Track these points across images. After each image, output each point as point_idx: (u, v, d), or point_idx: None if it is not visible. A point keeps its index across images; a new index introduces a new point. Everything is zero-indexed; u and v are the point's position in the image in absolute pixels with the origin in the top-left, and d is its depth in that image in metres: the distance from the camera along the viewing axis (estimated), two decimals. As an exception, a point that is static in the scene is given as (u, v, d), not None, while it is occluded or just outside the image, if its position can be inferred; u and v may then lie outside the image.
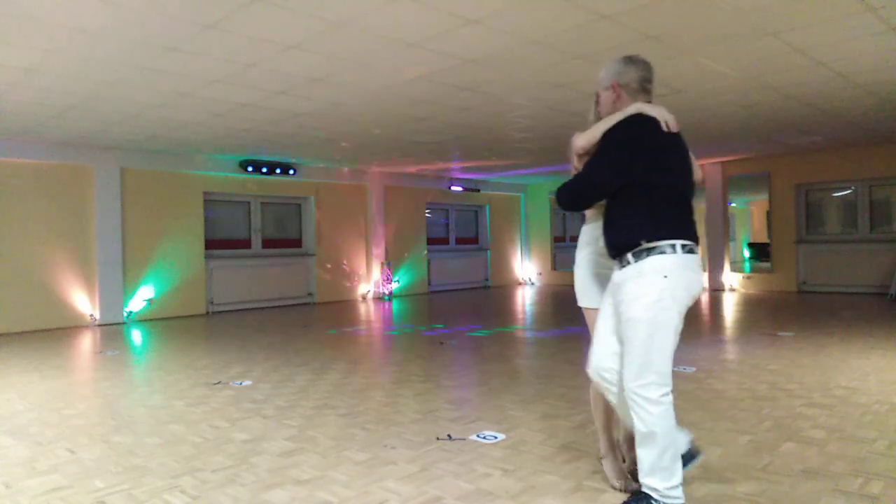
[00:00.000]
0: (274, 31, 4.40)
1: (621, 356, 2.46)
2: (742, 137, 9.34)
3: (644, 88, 2.53)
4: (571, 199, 2.52)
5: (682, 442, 2.50)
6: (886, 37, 4.79)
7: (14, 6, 3.86)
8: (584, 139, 2.56)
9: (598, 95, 2.65)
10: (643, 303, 2.34)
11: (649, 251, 2.36)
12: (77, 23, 4.14)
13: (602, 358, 2.55)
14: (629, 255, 2.40)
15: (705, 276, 12.68)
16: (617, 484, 2.72)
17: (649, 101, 2.53)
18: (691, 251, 2.40)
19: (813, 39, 4.83)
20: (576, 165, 2.61)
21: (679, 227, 2.40)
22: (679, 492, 2.35)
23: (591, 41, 4.76)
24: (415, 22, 4.29)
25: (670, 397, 2.36)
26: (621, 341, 2.45)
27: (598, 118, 2.62)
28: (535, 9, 4.10)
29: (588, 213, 2.77)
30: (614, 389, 2.53)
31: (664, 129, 2.42)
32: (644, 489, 2.39)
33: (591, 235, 2.76)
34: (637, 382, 2.35)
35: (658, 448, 2.32)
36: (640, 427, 2.36)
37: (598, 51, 4.99)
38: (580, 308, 2.81)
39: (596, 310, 2.68)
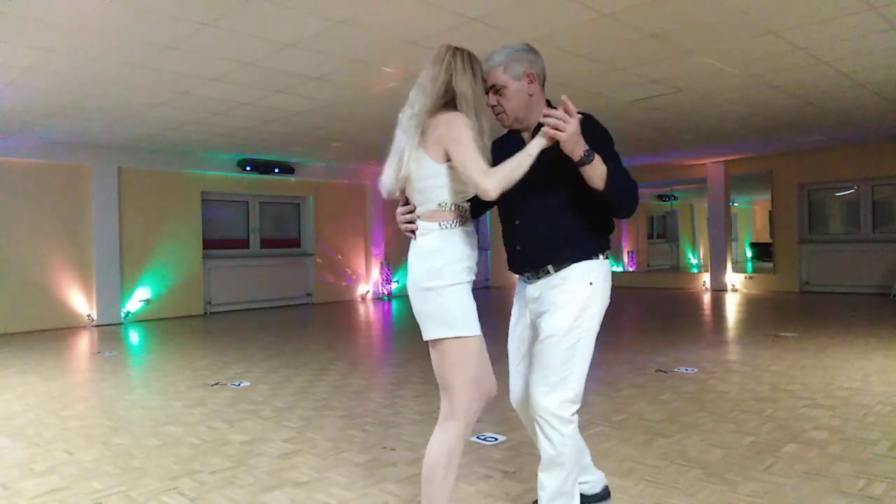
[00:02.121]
0: (272, 29, 4.37)
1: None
2: (744, 137, 9.32)
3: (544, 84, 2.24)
4: (635, 202, 2.13)
5: (598, 482, 2.47)
6: (889, 35, 4.77)
7: (13, 6, 3.84)
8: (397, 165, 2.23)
9: (497, 88, 2.17)
10: (568, 313, 2.13)
11: (575, 259, 2.17)
12: (75, 22, 4.12)
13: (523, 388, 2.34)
14: (549, 266, 2.18)
15: (707, 276, 12.65)
16: None
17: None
18: (608, 257, 2.24)
19: (815, 38, 4.81)
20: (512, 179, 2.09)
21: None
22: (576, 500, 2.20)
23: (593, 40, 4.74)
24: (415, 20, 4.26)
25: (576, 416, 2.17)
26: (529, 361, 2.26)
27: (507, 115, 2.20)
28: (535, 7, 4.08)
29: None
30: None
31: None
32: None
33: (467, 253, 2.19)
34: (549, 399, 2.12)
35: (565, 471, 2.14)
36: (548, 450, 2.14)
37: (600, 49, 4.96)
38: (437, 341, 2.23)
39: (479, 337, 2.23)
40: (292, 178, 11.15)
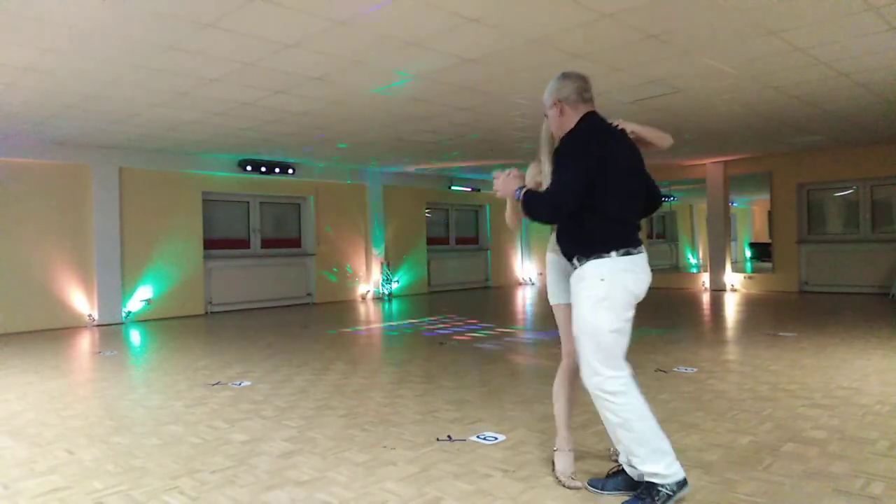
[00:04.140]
0: (273, 30, 4.38)
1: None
2: (743, 137, 9.33)
3: (583, 98, 2.67)
4: (554, 212, 2.57)
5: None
6: (888, 35, 4.78)
7: (14, 6, 3.84)
8: (534, 170, 2.81)
9: (546, 116, 2.78)
10: (585, 304, 2.54)
11: (588, 256, 2.56)
12: (76, 22, 4.13)
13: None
14: (575, 260, 2.63)
15: (706, 276, 12.66)
16: (563, 479, 2.77)
17: (592, 109, 2.68)
18: (627, 253, 2.53)
19: (814, 38, 4.82)
20: (511, 213, 2.92)
21: (625, 232, 2.57)
22: (676, 466, 2.47)
23: (593, 40, 4.75)
24: (414, 21, 4.27)
25: (630, 383, 2.50)
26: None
27: (550, 136, 2.78)
28: (535, 7, 4.09)
29: None
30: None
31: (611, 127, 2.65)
32: (646, 478, 2.49)
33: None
34: (594, 380, 2.52)
35: (636, 433, 2.46)
36: (613, 419, 2.50)
37: (600, 50, 4.97)
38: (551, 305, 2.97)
39: (566, 305, 2.83)
40: (293, 179, 11.16)
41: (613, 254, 2.51)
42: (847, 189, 11.23)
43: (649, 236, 16.82)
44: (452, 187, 13.88)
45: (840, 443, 3.24)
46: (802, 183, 11.53)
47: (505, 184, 2.72)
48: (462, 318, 8.82)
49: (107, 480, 2.98)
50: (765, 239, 15.56)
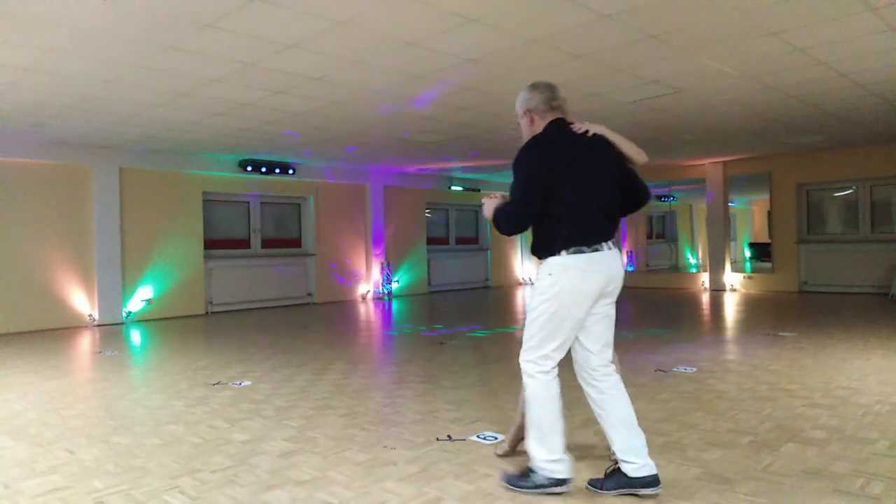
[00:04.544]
0: (273, 30, 4.39)
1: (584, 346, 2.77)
2: (743, 137, 9.34)
3: (551, 107, 2.81)
4: (514, 223, 2.73)
5: (644, 467, 2.63)
6: (887, 36, 4.79)
7: (14, 6, 3.85)
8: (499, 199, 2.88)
9: (519, 125, 2.95)
10: (536, 297, 2.73)
11: (544, 254, 2.72)
12: (76, 22, 4.14)
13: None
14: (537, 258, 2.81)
15: (705, 276, 12.66)
16: (499, 449, 3.18)
17: (562, 117, 2.82)
18: (579, 251, 2.63)
19: (814, 39, 4.82)
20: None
21: (577, 232, 2.66)
22: (560, 466, 2.64)
23: (592, 41, 4.75)
24: (415, 21, 4.28)
25: (549, 377, 2.68)
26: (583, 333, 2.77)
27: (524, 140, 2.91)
28: (535, 8, 4.09)
29: None
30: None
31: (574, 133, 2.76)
32: (529, 461, 2.74)
33: None
34: (523, 356, 2.75)
35: (533, 417, 2.69)
36: (525, 394, 2.76)
37: (599, 50, 4.98)
38: None
39: None
40: (293, 178, 11.16)
41: (563, 252, 2.63)
42: (846, 189, 11.23)
43: (649, 236, 16.83)
44: (452, 187, 13.88)
45: (840, 442, 3.25)
46: (802, 183, 11.53)
47: (488, 206, 2.82)
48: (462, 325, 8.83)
49: (107, 480, 2.98)
50: (764, 239, 15.55)
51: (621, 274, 2.76)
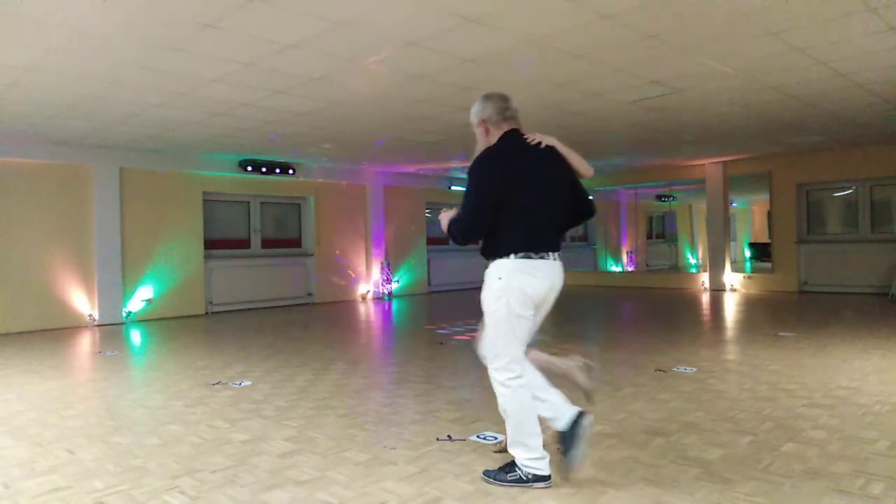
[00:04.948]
0: (273, 30, 4.39)
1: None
2: (743, 137, 9.34)
3: (504, 117, 2.92)
4: (467, 232, 2.82)
5: (566, 414, 2.81)
6: (887, 36, 4.79)
7: (14, 6, 3.85)
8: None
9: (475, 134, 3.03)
10: (488, 300, 2.81)
11: (492, 258, 2.82)
12: (76, 22, 4.14)
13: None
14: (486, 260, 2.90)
15: (705, 276, 12.66)
16: (496, 446, 3.25)
17: (515, 127, 2.93)
18: (527, 257, 2.74)
19: (813, 39, 4.82)
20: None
21: (527, 239, 2.76)
22: (541, 464, 2.73)
23: (592, 41, 4.75)
24: (415, 21, 4.28)
25: (519, 381, 2.75)
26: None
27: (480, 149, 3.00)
28: (534, 8, 4.09)
29: None
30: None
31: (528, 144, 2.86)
32: (511, 458, 2.83)
33: None
34: (491, 365, 2.81)
35: (511, 423, 2.77)
36: (499, 402, 2.82)
37: (599, 50, 4.98)
38: None
39: None
40: (293, 179, 11.17)
41: (512, 256, 2.74)
42: (846, 189, 11.24)
43: (649, 236, 16.84)
44: (452, 187, 13.88)
45: (840, 442, 3.25)
46: (802, 183, 11.54)
47: (444, 220, 2.93)
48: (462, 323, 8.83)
49: (107, 480, 2.98)
50: (764, 239, 15.57)
51: (561, 285, 2.90)
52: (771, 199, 11.94)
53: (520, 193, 2.75)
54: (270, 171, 10.67)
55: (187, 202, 10.01)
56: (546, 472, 2.74)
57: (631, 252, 15.85)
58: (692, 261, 17.86)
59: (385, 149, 9.64)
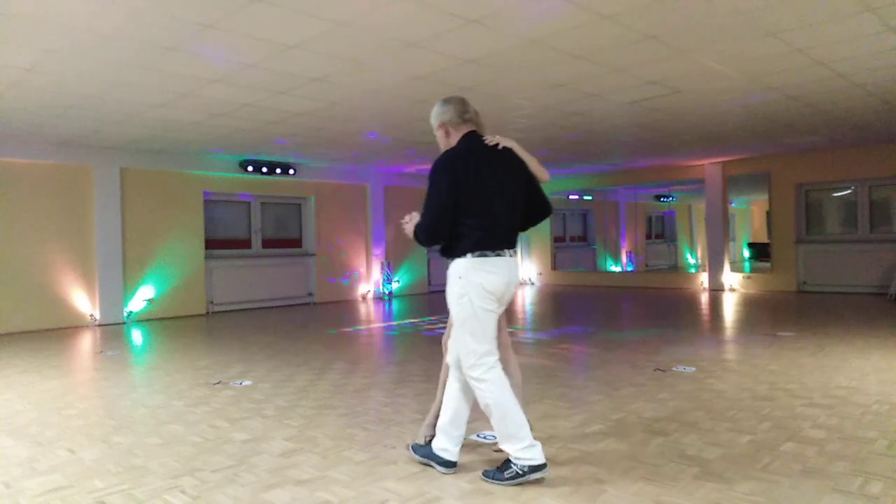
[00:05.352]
0: (274, 31, 4.39)
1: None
2: (742, 137, 9.35)
3: (463, 119, 3.00)
4: (430, 233, 2.90)
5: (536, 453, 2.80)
6: (886, 36, 4.80)
7: (14, 6, 3.86)
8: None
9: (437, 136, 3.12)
10: (452, 299, 2.91)
11: (451, 257, 2.92)
12: (77, 23, 4.14)
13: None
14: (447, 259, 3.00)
15: (705, 276, 12.67)
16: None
17: (474, 129, 3.02)
18: (483, 255, 2.83)
19: (813, 39, 4.83)
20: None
21: (484, 238, 2.85)
22: (532, 452, 2.76)
23: (592, 41, 4.76)
24: (415, 22, 4.29)
25: (495, 372, 2.82)
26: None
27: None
28: (534, 8, 4.10)
29: None
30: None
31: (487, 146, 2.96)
32: (507, 456, 2.85)
33: None
34: (464, 363, 2.86)
35: (495, 417, 2.80)
36: (480, 400, 2.85)
37: (599, 50, 4.99)
38: None
39: None
40: (293, 179, 11.17)
41: (469, 255, 2.84)
42: (845, 189, 11.24)
43: (648, 236, 16.85)
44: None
45: (839, 442, 3.26)
46: (801, 183, 11.54)
47: (411, 227, 3.01)
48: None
49: (108, 480, 2.99)
50: (763, 239, 15.57)
51: (518, 281, 3.01)
52: (770, 199, 11.95)
53: (478, 193, 2.83)
54: (271, 171, 10.68)
55: (188, 202, 10.01)
56: (540, 461, 2.78)
57: (630, 252, 15.86)
58: (691, 261, 17.87)
59: (386, 149, 9.65)
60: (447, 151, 2.97)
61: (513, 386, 2.92)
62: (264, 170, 10.58)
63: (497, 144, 2.97)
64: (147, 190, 9.54)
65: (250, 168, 10.39)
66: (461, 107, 3.01)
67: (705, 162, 12.26)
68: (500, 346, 2.98)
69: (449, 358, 3.03)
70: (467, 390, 2.95)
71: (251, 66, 5.16)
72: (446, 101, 3.05)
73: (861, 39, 4.85)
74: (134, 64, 5.05)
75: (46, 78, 5.38)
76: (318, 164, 11.30)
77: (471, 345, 2.83)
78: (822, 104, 7.13)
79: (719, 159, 11.99)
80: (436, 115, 3.06)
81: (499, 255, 2.87)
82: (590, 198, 16.09)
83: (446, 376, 3.11)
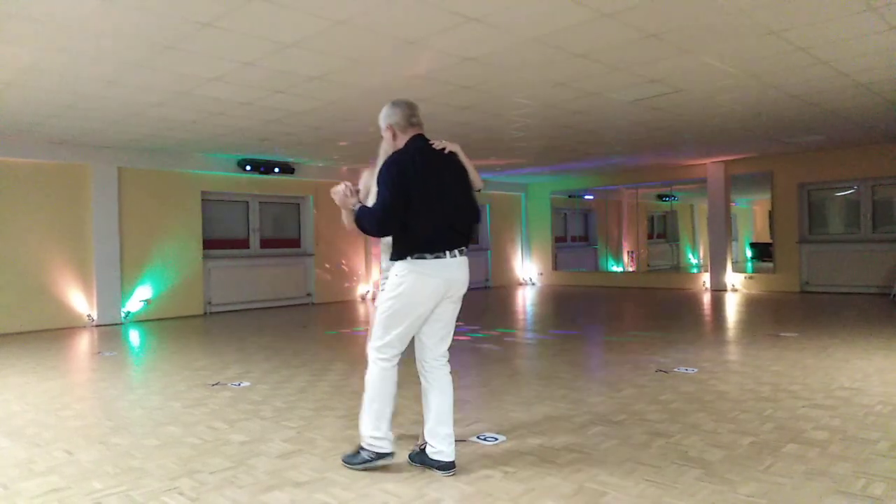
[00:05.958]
0: (272, 29, 4.37)
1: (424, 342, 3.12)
2: (744, 137, 9.32)
3: (411, 123, 3.08)
4: (377, 226, 2.94)
5: (447, 454, 2.95)
6: (888, 35, 4.77)
7: (14, 6, 3.84)
8: (368, 175, 3.26)
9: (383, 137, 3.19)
10: (384, 294, 3.04)
11: (393, 258, 3.01)
12: (75, 22, 4.12)
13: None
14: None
15: (707, 276, 12.64)
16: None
17: (420, 133, 3.09)
18: (421, 258, 2.91)
19: (815, 38, 4.81)
20: (348, 220, 3.17)
21: (423, 240, 2.93)
22: (382, 443, 2.98)
23: (592, 39, 4.73)
24: (415, 20, 4.26)
25: (387, 367, 3.04)
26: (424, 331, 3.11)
27: (386, 154, 3.12)
28: (535, 7, 4.08)
29: None
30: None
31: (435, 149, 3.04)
32: (360, 440, 3.05)
33: None
34: (369, 345, 3.09)
35: (366, 400, 3.04)
36: (367, 375, 3.08)
37: (599, 49, 4.96)
38: None
39: None
40: (292, 178, 11.15)
41: (409, 258, 2.92)
42: (848, 189, 11.22)
43: (650, 236, 16.81)
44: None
45: (841, 443, 3.23)
46: (803, 183, 11.52)
47: (343, 199, 3.06)
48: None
49: (106, 481, 2.97)
50: (766, 239, 15.53)
51: (463, 280, 3.05)
52: (772, 199, 11.92)
53: (423, 194, 2.90)
54: (269, 171, 10.66)
55: (186, 202, 9.99)
56: (387, 450, 3.00)
57: (632, 252, 15.83)
58: (693, 261, 17.84)
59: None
60: (397, 151, 3.03)
61: (441, 393, 3.05)
62: (263, 169, 10.55)
63: (444, 148, 3.05)
64: (145, 189, 9.52)
65: (249, 167, 10.36)
66: (409, 111, 3.09)
67: (707, 161, 12.24)
68: (440, 355, 3.12)
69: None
70: (433, 384, 3.06)
71: (250, 64, 5.14)
72: (395, 103, 3.12)
73: (863, 38, 4.82)
74: (132, 63, 5.03)
75: (43, 77, 5.35)
76: (316, 164, 11.28)
77: (379, 333, 3.01)
78: (824, 103, 7.11)
79: (721, 158, 11.96)
80: (384, 116, 3.12)
81: (438, 257, 2.93)
82: (591, 197, 16.07)
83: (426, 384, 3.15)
